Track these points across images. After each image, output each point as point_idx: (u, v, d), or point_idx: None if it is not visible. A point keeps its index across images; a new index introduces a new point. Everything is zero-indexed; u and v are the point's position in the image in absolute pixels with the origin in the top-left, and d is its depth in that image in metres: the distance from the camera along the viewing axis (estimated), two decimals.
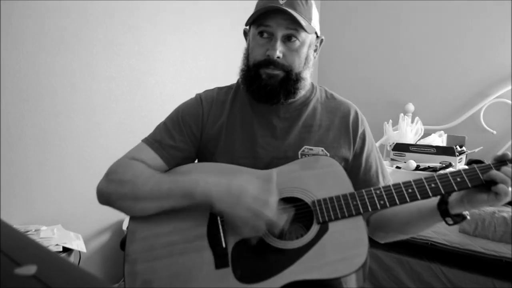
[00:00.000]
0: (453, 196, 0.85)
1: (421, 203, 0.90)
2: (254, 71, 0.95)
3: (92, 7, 1.84)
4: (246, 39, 1.03)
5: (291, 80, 0.94)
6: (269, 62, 0.92)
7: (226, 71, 2.50)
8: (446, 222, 0.86)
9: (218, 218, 0.86)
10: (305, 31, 0.90)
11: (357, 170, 1.01)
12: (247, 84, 0.98)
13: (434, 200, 0.87)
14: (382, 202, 0.84)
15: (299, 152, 0.97)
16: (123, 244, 1.12)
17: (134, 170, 0.89)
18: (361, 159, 1.02)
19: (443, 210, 0.85)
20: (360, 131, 1.02)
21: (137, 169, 0.89)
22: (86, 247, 1.69)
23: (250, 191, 0.81)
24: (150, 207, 0.85)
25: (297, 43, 0.92)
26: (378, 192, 0.85)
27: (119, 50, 1.98)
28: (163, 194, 0.84)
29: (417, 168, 2.02)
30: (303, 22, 0.88)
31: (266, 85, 0.94)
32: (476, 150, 2.28)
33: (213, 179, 0.84)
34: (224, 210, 0.81)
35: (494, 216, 1.65)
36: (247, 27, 1.01)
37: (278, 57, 0.91)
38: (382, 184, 1.02)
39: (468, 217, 0.86)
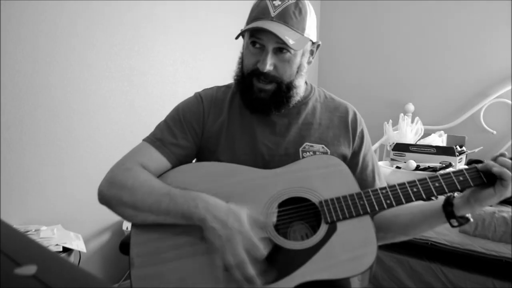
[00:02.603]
0: (458, 198, 0.86)
1: (425, 205, 0.91)
2: (248, 81, 0.95)
3: (92, 7, 1.85)
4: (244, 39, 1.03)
5: (282, 92, 0.95)
6: (260, 73, 0.92)
7: (226, 71, 2.49)
8: (451, 224, 0.86)
9: None
10: (293, 49, 0.89)
11: (354, 168, 1.02)
12: (240, 92, 0.99)
13: (439, 202, 0.88)
14: (388, 201, 0.85)
15: (300, 149, 0.98)
16: (122, 246, 1.11)
17: (135, 178, 0.87)
18: (359, 158, 1.03)
19: (449, 212, 0.86)
20: (359, 130, 1.04)
21: (139, 178, 0.88)
22: (86, 247, 1.69)
23: (245, 232, 0.76)
24: (150, 219, 0.84)
25: (288, 54, 0.92)
26: (384, 191, 0.86)
27: (119, 50, 1.98)
28: (162, 212, 0.83)
29: (417, 168, 2.02)
30: (290, 40, 0.87)
31: (257, 99, 0.95)
32: (476, 150, 2.28)
33: (213, 201, 0.81)
34: (214, 242, 0.77)
35: (494, 216, 1.65)
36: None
37: (269, 70, 0.91)
38: (378, 184, 1.03)
39: (472, 220, 0.87)
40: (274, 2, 0.90)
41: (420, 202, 0.90)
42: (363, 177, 1.02)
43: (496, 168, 0.80)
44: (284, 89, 0.95)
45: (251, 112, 1.00)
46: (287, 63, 0.93)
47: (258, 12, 0.91)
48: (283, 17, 0.89)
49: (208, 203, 0.80)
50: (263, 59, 0.91)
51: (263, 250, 0.76)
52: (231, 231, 0.76)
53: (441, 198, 0.88)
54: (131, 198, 0.85)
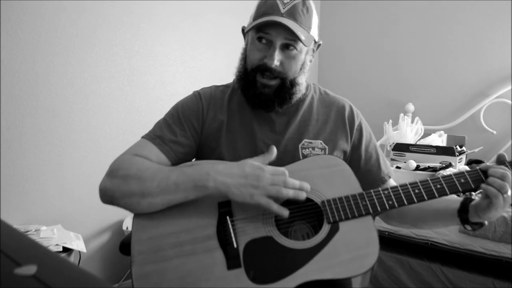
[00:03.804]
0: (472, 207, 0.87)
1: (441, 207, 0.93)
2: (252, 76, 0.96)
3: (92, 7, 1.85)
4: (244, 37, 1.03)
5: (285, 88, 0.95)
6: (266, 68, 0.93)
7: (226, 71, 2.49)
8: (465, 228, 0.89)
9: (228, 217, 0.85)
10: (304, 44, 0.91)
11: (357, 161, 1.03)
12: (243, 89, 0.99)
13: (455, 206, 0.90)
14: (390, 202, 0.86)
15: (299, 145, 0.99)
16: (122, 246, 1.10)
17: (139, 166, 0.87)
18: (360, 150, 1.04)
19: (464, 219, 0.88)
20: (356, 123, 1.05)
21: (142, 164, 0.88)
22: (86, 247, 1.69)
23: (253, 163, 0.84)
24: (157, 202, 0.83)
25: (295, 51, 0.93)
26: (386, 192, 0.87)
27: (119, 50, 1.98)
28: (171, 187, 0.82)
29: (417, 168, 2.02)
30: (302, 36, 0.89)
31: (260, 94, 0.95)
32: (476, 150, 2.28)
33: (222, 166, 0.84)
34: (245, 192, 0.82)
35: None
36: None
37: (276, 65, 0.92)
38: (384, 171, 1.05)
39: (486, 223, 0.88)
40: None
41: (441, 199, 0.91)
42: (368, 168, 1.04)
43: (483, 185, 0.82)
44: (288, 85, 0.95)
45: (254, 107, 1.00)
46: (293, 60, 0.94)
47: (267, 8, 0.92)
48: (293, 14, 0.90)
49: (217, 170, 0.83)
50: (271, 55, 0.91)
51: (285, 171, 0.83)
52: (251, 176, 0.81)
53: (458, 199, 0.90)
54: (137, 183, 0.84)
